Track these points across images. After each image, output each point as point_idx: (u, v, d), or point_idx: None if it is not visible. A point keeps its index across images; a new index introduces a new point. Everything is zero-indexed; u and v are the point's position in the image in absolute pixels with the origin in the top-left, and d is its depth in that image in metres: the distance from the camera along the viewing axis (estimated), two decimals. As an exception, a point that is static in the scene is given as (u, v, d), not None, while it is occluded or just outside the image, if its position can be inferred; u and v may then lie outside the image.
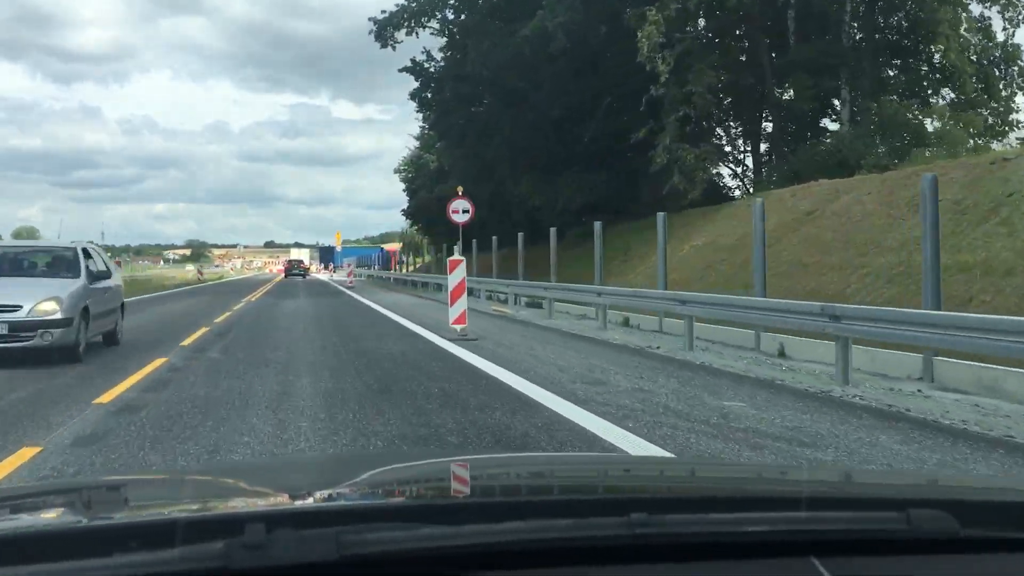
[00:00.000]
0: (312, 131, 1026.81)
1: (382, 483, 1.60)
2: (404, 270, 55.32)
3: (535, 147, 31.56)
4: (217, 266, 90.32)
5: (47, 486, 3.12)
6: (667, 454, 4.99)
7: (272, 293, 32.29)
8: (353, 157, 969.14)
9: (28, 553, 0.99)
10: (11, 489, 3.03)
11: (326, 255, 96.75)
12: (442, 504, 1.38)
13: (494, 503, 1.37)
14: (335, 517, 1.11)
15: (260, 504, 1.41)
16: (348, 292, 32.66)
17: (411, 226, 64.07)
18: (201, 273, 60.93)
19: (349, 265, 45.97)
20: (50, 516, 1.39)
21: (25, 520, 1.34)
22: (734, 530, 1.13)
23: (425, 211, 51.91)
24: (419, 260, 64.53)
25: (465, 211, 24.58)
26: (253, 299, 26.98)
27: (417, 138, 57.01)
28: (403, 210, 60.08)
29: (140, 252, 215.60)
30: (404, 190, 59.18)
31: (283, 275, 68.98)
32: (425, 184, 52.52)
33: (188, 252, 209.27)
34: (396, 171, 60.23)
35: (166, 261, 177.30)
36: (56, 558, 0.98)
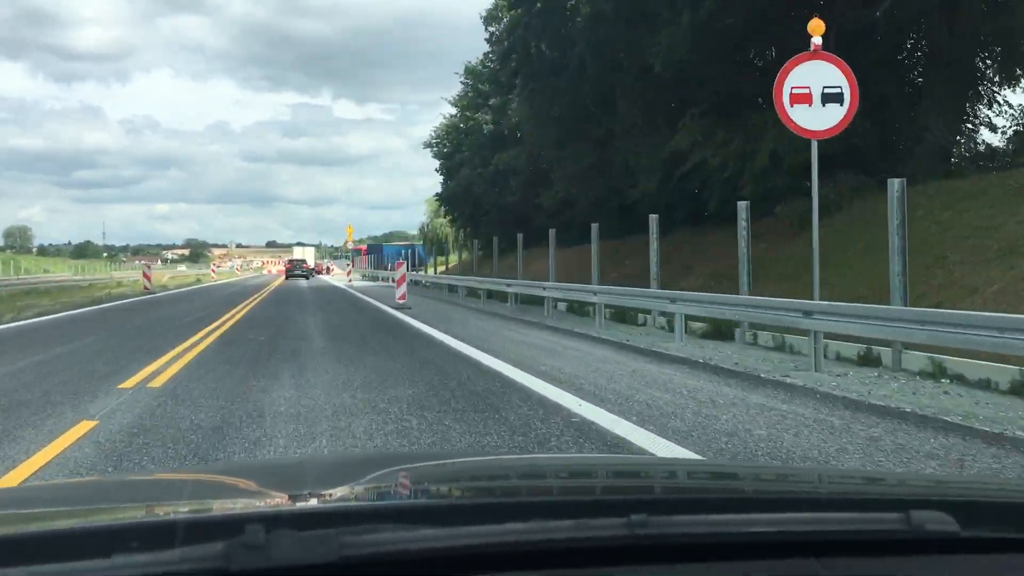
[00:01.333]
0: (314, 131, 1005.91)
1: (382, 484, 1.53)
2: (430, 271, 41.57)
3: (710, 67, 17.88)
4: (217, 266, 76.56)
5: (47, 486, 2.98)
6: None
7: (241, 338, 12.70)
8: (355, 157, 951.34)
9: (28, 553, 0.97)
10: (11, 489, 3.11)
11: (376, 253, 65.79)
12: (442, 505, 1.34)
13: (494, 504, 1.32)
14: (335, 518, 1.09)
15: (260, 504, 1.38)
16: (425, 328, 14.19)
17: (444, 215, 50.29)
18: (148, 277, 34.04)
19: (400, 265, 23.71)
20: (50, 516, 1.31)
21: (25, 520, 1.27)
22: (734, 530, 1.11)
23: (468, 194, 38.50)
24: (451, 259, 51.37)
25: (832, 95, 9.05)
26: (163, 380, 8.15)
27: (454, 102, 43.25)
28: (437, 195, 46.66)
29: (138, 252, 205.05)
30: (438, 169, 45.52)
31: (284, 277, 59.50)
32: (472, 158, 38.78)
33: (187, 252, 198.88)
34: (427, 145, 46.29)
35: (164, 261, 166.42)
36: (56, 558, 0.95)
